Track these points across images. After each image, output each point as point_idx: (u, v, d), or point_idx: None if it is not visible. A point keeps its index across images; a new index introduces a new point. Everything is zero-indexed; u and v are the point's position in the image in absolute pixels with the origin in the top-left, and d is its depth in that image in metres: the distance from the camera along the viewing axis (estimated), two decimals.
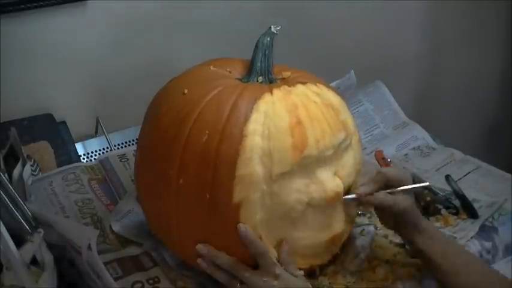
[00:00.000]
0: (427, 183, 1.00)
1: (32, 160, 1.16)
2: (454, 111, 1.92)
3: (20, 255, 0.79)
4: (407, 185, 0.95)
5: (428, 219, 1.11)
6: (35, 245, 0.82)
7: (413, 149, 1.37)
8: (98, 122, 1.30)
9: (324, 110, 0.91)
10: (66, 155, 1.21)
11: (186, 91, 0.90)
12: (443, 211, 1.14)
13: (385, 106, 1.45)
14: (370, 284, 0.97)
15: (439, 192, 1.18)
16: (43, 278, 0.80)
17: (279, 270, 0.87)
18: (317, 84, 0.94)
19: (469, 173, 1.27)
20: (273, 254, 0.89)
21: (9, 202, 0.83)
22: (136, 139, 1.03)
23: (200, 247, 0.88)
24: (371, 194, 0.93)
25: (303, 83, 0.93)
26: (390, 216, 0.96)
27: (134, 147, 1.11)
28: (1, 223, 0.77)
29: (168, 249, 1.00)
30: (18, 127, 1.09)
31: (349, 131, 0.94)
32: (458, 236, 1.07)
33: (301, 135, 0.87)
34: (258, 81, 0.94)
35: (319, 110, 0.90)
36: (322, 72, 1.02)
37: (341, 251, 1.00)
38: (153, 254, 1.01)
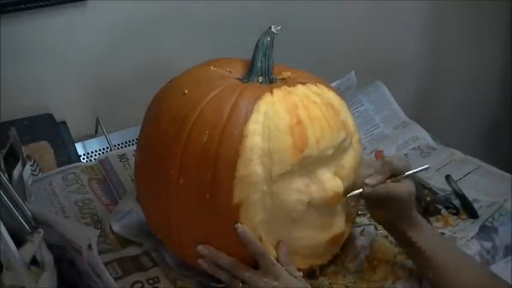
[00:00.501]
0: (427, 166, 0.96)
1: (32, 160, 1.16)
2: (454, 111, 1.92)
3: (20, 255, 0.79)
4: (409, 171, 0.93)
5: (429, 219, 1.11)
6: (35, 245, 0.82)
7: (413, 149, 1.37)
8: (98, 122, 1.30)
9: (324, 110, 0.91)
10: (66, 155, 1.21)
11: (186, 91, 0.90)
12: (443, 211, 1.14)
13: (385, 106, 1.45)
14: (370, 284, 0.97)
15: (439, 192, 1.18)
16: (43, 278, 0.80)
17: (279, 270, 0.87)
18: (317, 84, 0.94)
19: (469, 173, 1.27)
20: (273, 254, 0.89)
21: (9, 202, 0.83)
22: (136, 139, 1.03)
23: (201, 248, 0.88)
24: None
25: (303, 83, 0.93)
26: (385, 207, 0.93)
27: (134, 147, 1.11)
28: (1, 223, 0.77)
29: (168, 249, 1.00)
30: (18, 127, 1.09)
31: (349, 131, 0.94)
32: (458, 236, 1.07)
33: (302, 135, 0.87)
34: (258, 81, 0.94)
35: (319, 110, 0.90)
36: (322, 72, 1.02)
37: (341, 251, 1.00)
38: (153, 254, 1.01)
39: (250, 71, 0.95)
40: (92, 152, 1.30)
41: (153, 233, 0.99)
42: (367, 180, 0.92)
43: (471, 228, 1.09)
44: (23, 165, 0.98)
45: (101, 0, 1.23)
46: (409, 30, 1.74)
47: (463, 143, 1.48)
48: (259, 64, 0.95)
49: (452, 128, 1.79)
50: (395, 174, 0.93)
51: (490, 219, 1.11)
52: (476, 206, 1.14)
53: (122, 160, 1.19)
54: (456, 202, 1.16)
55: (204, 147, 0.85)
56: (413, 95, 1.83)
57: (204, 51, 1.07)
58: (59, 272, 0.84)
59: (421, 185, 1.19)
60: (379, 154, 1.30)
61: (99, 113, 1.30)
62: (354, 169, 0.95)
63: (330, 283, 0.96)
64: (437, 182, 1.22)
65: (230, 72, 0.97)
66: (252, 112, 0.86)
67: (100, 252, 0.85)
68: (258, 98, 0.88)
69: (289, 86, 0.92)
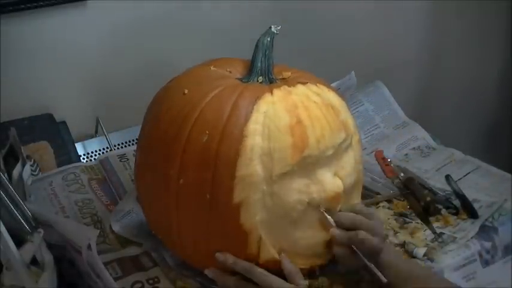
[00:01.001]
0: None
1: (32, 160, 1.16)
2: (454, 111, 1.92)
3: (20, 255, 0.79)
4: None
5: (429, 219, 1.11)
6: (35, 245, 0.82)
7: (413, 149, 1.37)
8: (98, 122, 1.30)
9: (324, 110, 0.91)
10: (66, 155, 1.21)
11: (186, 91, 0.90)
12: (443, 211, 1.14)
13: (385, 106, 1.45)
14: (370, 284, 0.97)
15: (439, 192, 1.18)
16: (43, 278, 0.80)
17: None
18: (317, 84, 0.94)
19: (469, 173, 1.27)
20: (273, 254, 0.89)
21: (9, 202, 0.83)
22: (136, 139, 1.03)
23: (219, 255, 0.88)
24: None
25: (303, 83, 0.93)
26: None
27: (134, 147, 1.11)
28: (1, 223, 0.77)
29: (168, 249, 1.00)
30: (18, 127, 1.09)
31: (349, 131, 0.94)
32: (458, 236, 1.07)
33: (302, 135, 0.86)
34: (258, 81, 0.94)
35: (319, 110, 0.90)
36: (322, 72, 1.02)
37: None
38: (153, 254, 1.01)
39: (250, 71, 0.95)
40: (92, 152, 1.30)
41: (153, 233, 0.99)
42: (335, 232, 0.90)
43: (471, 228, 1.09)
44: (23, 165, 0.98)
45: (101, 0, 1.23)
46: (409, 30, 1.74)
47: (462, 143, 1.48)
48: (259, 64, 0.95)
49: (452, 128, 1.80)
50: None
51: (490, 219, 1.11)
52: (476, 206, 1.14)
53: (122, 160, 1.19)
54: (456, 202, 1.16)
55: (204, 147, 0.85)
56: (413, 95, 1.83)
57: (204, 51, 1.07)
58: (59, 272, 0.84)
59: (421, 185, 1.19)
60: (379, 154, 1.30)
61: (99, 113, 1.30)
62: (354, 169, 0.95)
63: (330, 283, 0.96)
64: (437, 182, 1.22)
65: (230, 72, 0.97)
66: (252, 112, 0.86)
67: (100, 252, 0.85)
68: (258, 98, 0.88)
69: (289, 86, 0.92)
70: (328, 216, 0.90)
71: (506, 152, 1.97)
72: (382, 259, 0.91)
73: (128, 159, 1.19)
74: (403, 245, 1.04)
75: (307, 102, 0.90)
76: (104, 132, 1.29)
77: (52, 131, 1.22)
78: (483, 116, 2.04)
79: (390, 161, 1.28)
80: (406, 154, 1.35)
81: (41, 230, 0.83)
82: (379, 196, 1.18)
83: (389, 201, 1.17)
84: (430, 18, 1.77)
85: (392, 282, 0.89)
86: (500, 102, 2.03)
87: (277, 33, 0.95)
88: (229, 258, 0.88)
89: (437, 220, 1.12)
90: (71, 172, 1.16)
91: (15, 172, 0.95)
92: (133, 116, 1.07)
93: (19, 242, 0.80)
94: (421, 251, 1.03)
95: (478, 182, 1.23)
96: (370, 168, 1.25)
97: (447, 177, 1.24)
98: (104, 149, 1.30)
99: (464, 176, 1.26)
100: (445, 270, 1.01)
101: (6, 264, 0.79)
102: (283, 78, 0.96)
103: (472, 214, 1.12)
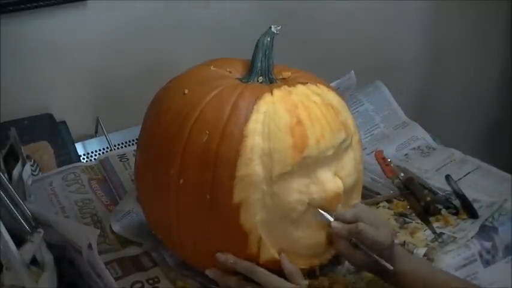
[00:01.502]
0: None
1: (32, 160, 1.16)
2: (454, 111, 1.92)
3: (20, 255, 0.79)
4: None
5: (429, 219, 1.11)
6: (35, 245, 0.82)
7: (414, 149, 1.37)
8: (98, 122, 1.30)
9: (324, 110, 0.91)
10: (66, 155, 1.21)
11: (186, 91, 0.90)
12: (443, 211, 1.14)
13: (385, 106, 1.45)
14: (370, 284, 0.97)
15: (439, 192, 1.18)
16: (43, 278, 0.80)
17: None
18: (317, 84, 0.94)
19: (469, 173, 1.27)
20: (273, 254, 0.89)
21: (9, 202, 0.83)
22: (136, 139, 1.03)
23: (219, 255, 0.88)
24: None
25: (303, 83, 0.93)
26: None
27: (134, 147, 1.11)
28: (1, 223, 0.77)
29: (168, 249, 1.00)
30: (18, 127, 1.09)
31: (349, 131, 0.94)
32: (458, 236, 1.07)
33: (302, 135, 0.86)
34: (258, 81, 0.94)
35: (319, 110, 0.90)
36: (322, 72, 1.02)
37: None
38: (153, 254, 1.01)
39: (250, 71, 0.95)
40: (92, 152, 1.30)
41: (153, 233, 0.99)
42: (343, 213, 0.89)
43: (471, 228, 1.09)
44: (23, 165, 0.98)
45: (101, 0, 1.23)
46: (409, 30, 1.74)
47: (462, 143, 1.48)
48: (259, 64, 0.95)
49: (452, 128, 1.79)
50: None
51: (490, 219, 1.11)
52: (476, 206, 1.14)
53: (122, 160, 1.19)
54: (456, 202, 1.16)
55: (204, 147, 0.85)
56: (413, 95, 1.83)
57: (204, 51, 1.07)
58: (59, 272, 0.84)
59: (421, 185, 1.19)
60: (379, 154, 1.30)
61: (99, 113, 1.30)
62: (354, 169, 0.95)
63: (330, 283, 0.96)
64: (437, 182, 1.22)
65: (230, 72, 0.97)
66: (252, 112, 0.86)
67: (100, 252, 0.85)
68: (258, 98, 0.88)
69: (289, 86, 0.92)
70: (325, 213, 0.89)
71: (506, 152, 1.96)
72: (398, 267, 0.88)
73: (127, 159, 1.19)
74: (403, 245, 1.04)
75: (307, 102, 0.90)
76: (104, 132, 1.29)
77: (52, 131, 1.22)
78: (483, 116, 2.04)
79: (390, 161, 1.28)
80: (406, 154, 1.35)
81: (41, 230, 0.83)
82: (379, 196, 1.18)
83: (389, 201, 1.17)
84: (430, 18, 1.77)
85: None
86: (500, 102, 2.03)
87: (277, 33, 0.95)
88: (230, 258, 0.88)
89: (437, 220, 1.12)
90: (71, 172, 1.16)
91: (15, 172, 0.95)
92: (133, 116, 1.07)
93: (19, 242, 0.80)
94: (421, 251, 1.03)
95: (478, 182, 1.23)
96: (370, 168, 1.25)
97: (447, 177, 1.24)
98: (104, 149, 1.30)
99: (464, 176, 1.26)
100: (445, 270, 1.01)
101: (6, 264, 0.79)
102: (283, 78, 0.96)
103: (472, 214, 1.12)
